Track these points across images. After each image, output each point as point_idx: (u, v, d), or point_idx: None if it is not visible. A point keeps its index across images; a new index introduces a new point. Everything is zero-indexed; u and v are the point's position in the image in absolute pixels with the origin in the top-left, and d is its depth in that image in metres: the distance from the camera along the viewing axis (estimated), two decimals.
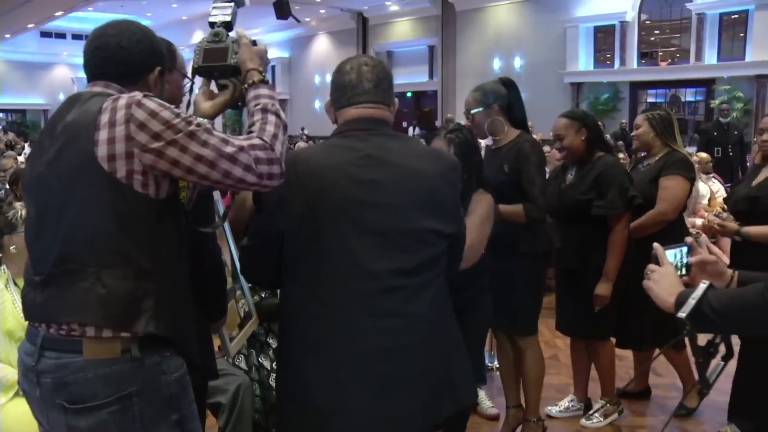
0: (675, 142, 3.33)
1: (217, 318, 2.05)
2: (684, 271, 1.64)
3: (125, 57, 1.57)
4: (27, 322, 1.59)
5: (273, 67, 27.49)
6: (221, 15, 1.73)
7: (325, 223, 1.65)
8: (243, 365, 2.76)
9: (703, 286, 1.47)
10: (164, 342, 1.50)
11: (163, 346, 1.50)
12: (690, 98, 17.82)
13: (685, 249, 1.66)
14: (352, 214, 1.65)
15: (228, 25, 1.72)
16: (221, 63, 1.68)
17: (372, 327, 1.65)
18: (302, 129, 21.33)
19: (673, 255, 1.63)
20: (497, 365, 4.20)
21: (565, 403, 3.56)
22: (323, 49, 25.08)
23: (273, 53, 30.01)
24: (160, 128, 1.42)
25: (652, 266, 1.60)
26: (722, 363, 1.59)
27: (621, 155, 7.04)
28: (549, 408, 3.51)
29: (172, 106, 1.49)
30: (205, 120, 1.53)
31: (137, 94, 1.47)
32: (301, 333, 1.72)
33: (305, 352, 1.71)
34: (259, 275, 1.92)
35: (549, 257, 3.16)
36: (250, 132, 1.52)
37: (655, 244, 1.66)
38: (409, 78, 22.83)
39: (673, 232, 3.08)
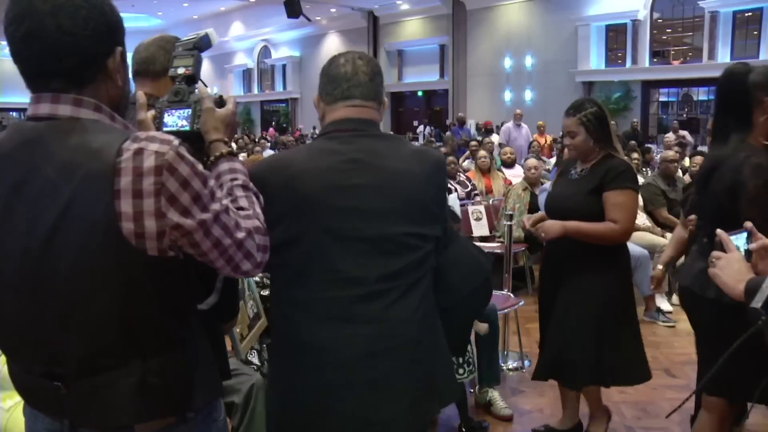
0: (610, 144, 2.89)
1: (229, 319, 2.04)
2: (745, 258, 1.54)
3: (72, 47, 1.18)
4: None
5: (284, 66, 27.58)
6: (182, 67, 1.47)
7: (302, 230, 1.61)
8: (255, 360, 2.77)
9: None
10: None
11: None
12: (703, 97, 17.73)
13: (744, 234, 1.56)
14: (331, 221, 1.61)
15: (191, 79, 1.48)
16: (182, 129, 1.43)
17: (354, 333, 1.62)
18: (314, 128, 21.36)
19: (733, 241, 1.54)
20: (511, 366, 4.20)
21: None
22: (334, 48, 25.10)
23: (284, 52, 29.97)
24: (189, 202, 1.19)
25: (717, 253, 1.50)
26: None
27: (635, 155, 6.95)
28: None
29: (200, 166, 1.24)
30: (223, 202, 1.29)
31: (166, 149, 1.17)
32: (288, 335, 1.70)
33: (292, 355, 1.69)
34: None
35: None
36: (238, 207, 1.35)
37: (719, 231, 1.54)
38: (419, 77, 22.85)
39: (617, 247, 2.90)
